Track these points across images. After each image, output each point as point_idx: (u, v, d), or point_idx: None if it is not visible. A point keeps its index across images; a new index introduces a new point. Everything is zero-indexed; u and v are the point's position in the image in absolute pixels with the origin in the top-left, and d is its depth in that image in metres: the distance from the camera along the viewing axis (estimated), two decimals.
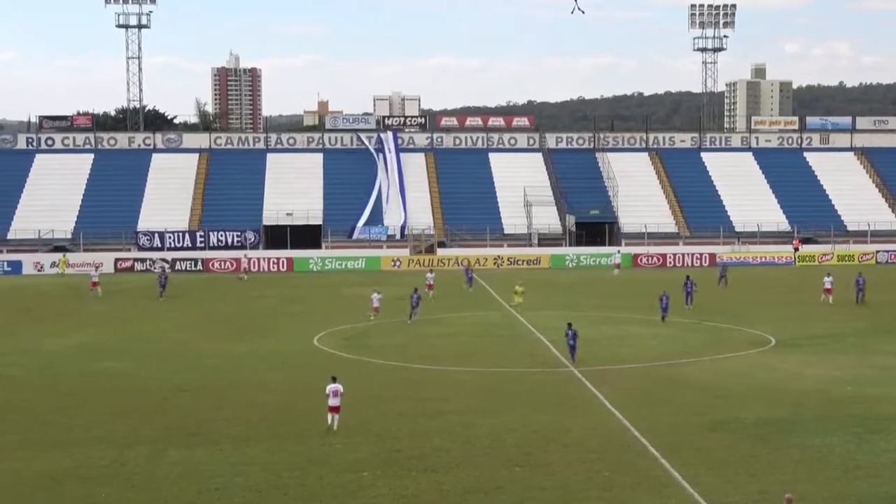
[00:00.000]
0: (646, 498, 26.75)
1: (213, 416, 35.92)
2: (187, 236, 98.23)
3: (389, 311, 61.83)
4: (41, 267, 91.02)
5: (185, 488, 27.80)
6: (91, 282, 74.14)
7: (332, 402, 33.27)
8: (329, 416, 33.25)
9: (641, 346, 50.47)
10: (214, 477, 28.67)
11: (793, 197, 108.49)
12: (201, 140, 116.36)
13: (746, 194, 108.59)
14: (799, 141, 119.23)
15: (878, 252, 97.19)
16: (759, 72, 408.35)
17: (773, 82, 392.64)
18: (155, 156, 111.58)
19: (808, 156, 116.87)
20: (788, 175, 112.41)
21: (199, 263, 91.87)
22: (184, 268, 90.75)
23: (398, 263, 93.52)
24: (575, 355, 44.85)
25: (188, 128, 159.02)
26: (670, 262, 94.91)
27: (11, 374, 44.51)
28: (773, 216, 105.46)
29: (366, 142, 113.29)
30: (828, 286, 66.41)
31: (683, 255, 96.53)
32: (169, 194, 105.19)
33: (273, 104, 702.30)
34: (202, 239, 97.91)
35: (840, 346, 50.14)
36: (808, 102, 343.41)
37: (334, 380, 33.60)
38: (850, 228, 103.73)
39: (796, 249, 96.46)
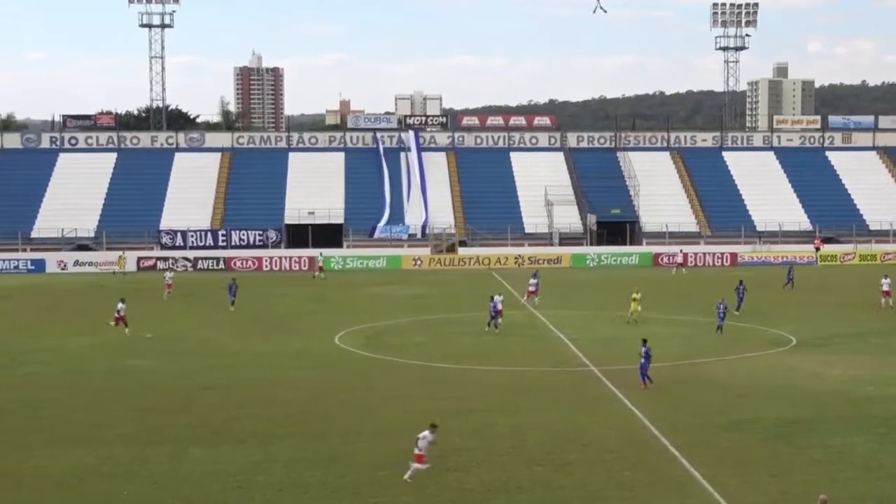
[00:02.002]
0: (665, 497, 26.80)
1: (236, 413, 36.12)
2: (209, 235, 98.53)
3: (412, 310, 62.00)
4: (64, 265, 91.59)
5: (208, 486, 28.00)
6: (166, 283, 72.74)
7: (417, 449, 28.13)
8: (413, 466, 28.08)
9: (663, 345, 50.17)
10: (237, 474, 28.85)
11: (815, 196, 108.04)
12: (224, 139, 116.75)
13: (768, 194, 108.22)
14: (821, 140, 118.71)
15: None
16: (782, 70, 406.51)
17: (795, 81, 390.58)
18: (177, 155, 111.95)
19: (831, 155, 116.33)
20: (810, 174, 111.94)
21: (222, 262, 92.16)
22: (206, 266, 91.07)
23: (419, 262, 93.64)
24: (646, 379, 39.97)
25: (211, 127, 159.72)
26: (691, 262, 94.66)
27: (38, 371, 44.87)
28: (794, 216, 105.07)
29: (386, 141, 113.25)
30: (885, 288, 64.17)
31: (705, 254, 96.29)
32: (191, 193, 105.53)
33: (295, 103, 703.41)
34: (224, 238, 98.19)
35: (861, 346, 49.98)
36: (830, 101, 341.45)
37: (431, 428, 28.64)
38: (872, 228, 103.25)
39: (818, 249, 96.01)
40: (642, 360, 40.10)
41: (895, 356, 46.90)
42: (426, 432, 28.32)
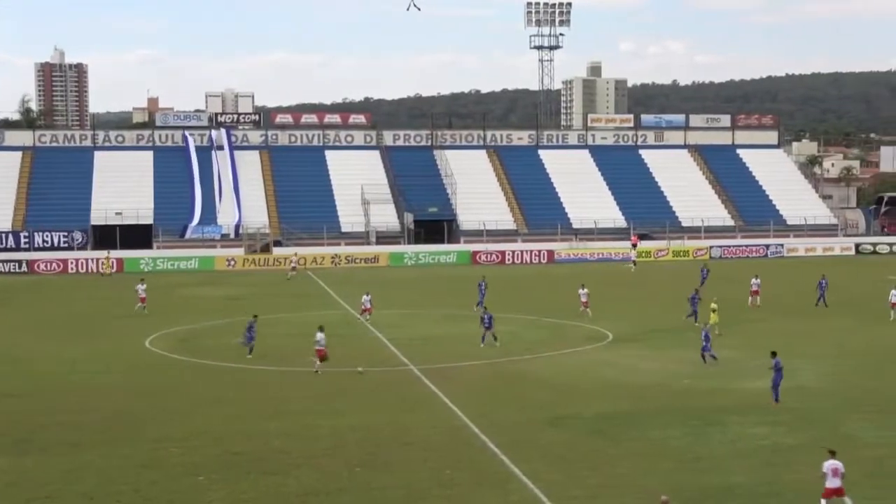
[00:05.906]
0: (487, 495, 26.58)
1: (44, 421, 34.63)
2: (11, 237, 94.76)
3: (226, 312, 60.72)
4: None
5: (14, 497, 26.77)
6: (139, 297, 64.01)
7: (831, 483, 24.57)
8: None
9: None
10: (46, 485, 27.66)
11: (629, 194, 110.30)
12: (25, 138, 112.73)
13: (583, 191, 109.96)
14: (634, 138, 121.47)
15: (711, 247, 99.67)
16: (595, 70, 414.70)
17: (608, 80, 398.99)
18: None
19: (644, 153, 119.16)
20: (624, 172, 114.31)
21: (24, 265, 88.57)
22: (8, 270, 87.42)
23: (233, 263, 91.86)
24: (778, 395, 36.35)
25: (10, 125, 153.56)
26: (509, 260, 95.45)
27: None
28: (609, 213, 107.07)
29: (197, 139, 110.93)
30: (755, 288, 63.71)
31: (522, 251, 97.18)
32: None
33: (100, 101, 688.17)
34: (27, 240, 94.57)
35: (677, 340, 50.50)
36: (642, 100, 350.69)
37: (832, 454, 24.90)
38: (684, 224, 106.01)
39: (634, 246, 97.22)
40: (774, 374, 36.41)
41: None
42: (836, 462, 24.66)
